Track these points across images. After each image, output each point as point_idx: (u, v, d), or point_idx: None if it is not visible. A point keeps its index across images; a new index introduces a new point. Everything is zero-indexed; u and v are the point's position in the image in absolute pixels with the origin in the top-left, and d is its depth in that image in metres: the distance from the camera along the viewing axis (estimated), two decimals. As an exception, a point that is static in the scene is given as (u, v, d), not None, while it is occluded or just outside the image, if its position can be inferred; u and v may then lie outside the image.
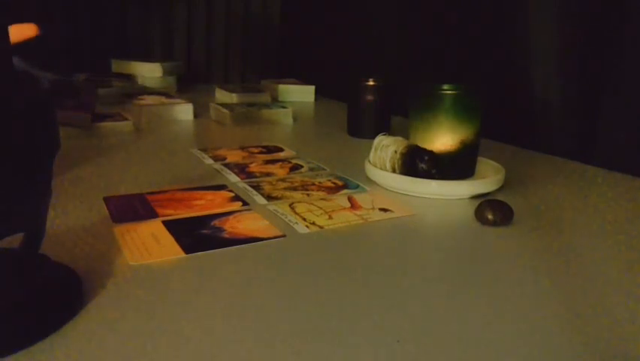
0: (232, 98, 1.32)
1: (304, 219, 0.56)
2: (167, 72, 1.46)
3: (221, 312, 0.38)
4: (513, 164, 0.81)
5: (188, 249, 0.48)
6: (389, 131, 0.93)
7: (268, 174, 0.73)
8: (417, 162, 0.67)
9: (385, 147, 0.70)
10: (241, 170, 0.74)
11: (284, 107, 1.17)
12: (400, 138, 0.71)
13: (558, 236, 0.54)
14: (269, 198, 0.63)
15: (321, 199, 0.63)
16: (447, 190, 0.65)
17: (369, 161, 0.72)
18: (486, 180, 0.67)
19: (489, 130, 0.78)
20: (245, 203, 0.61)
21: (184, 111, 1.13)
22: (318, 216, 0.57)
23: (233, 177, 0.71)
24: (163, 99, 1.18)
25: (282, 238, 0.51)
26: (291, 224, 0.55)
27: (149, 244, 0.48)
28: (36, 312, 0.35)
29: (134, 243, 0.48)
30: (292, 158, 0.83)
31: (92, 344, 0.33)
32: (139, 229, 0.52)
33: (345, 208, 0.60)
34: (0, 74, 0.32)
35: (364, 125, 1.00)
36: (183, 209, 0.58)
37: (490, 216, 0.56)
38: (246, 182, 0.69)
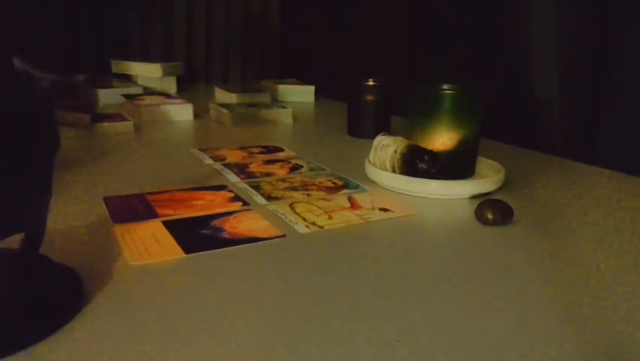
0: (232, 98, 1.32)
1: (304, 219, 0.56)
2: (166, 72, 1.46)
3: (221, 312, 0.38)
4: (513, 164, 0.81)
5: (188, 249, 0.48)
6: (389, 131, 0.93)
7: (268, 175, 0.73)
8: (417, 162, 0.67)
9: (385, 147, 0.70)
10: (241, 170, 0.74)
11: (284, 108, 1.17)
12: (399, 138, 0.71)
13: (558, 236, 0.54)
14: (269, 198, 0.63)
15: (321, 199, 0.63)
16: (447, 190, 0.65)
17: (369, 161, 0.72)
18: (486, 180, 0.67)
19: (489, 130, 0.78)
20: (245, 203, 0.61)
21: (184, 111, 1.13)
22: (318, 216, 0.57)
23: (233, 178, 0.71)
24: (163, 99, 1.18)
25: (282, 238, 0.51)
26: (291, 224, 0.55)
27: (149, 244, 0.48)
28: (36, 312, 0.35)
29: (134, 243, 0.48)
30: (292, 158, 0.83)
31: (92, 344, 0.33)
32: (139, 229, 0.52)
33: (345, 208, 0.60)
34: (0, 74, 0.32)
35: (364, 125, 1.00)
36: (183, 209, 0.58)
37: (490, 216, 0.56)
38: (246, 182, 0.69)
